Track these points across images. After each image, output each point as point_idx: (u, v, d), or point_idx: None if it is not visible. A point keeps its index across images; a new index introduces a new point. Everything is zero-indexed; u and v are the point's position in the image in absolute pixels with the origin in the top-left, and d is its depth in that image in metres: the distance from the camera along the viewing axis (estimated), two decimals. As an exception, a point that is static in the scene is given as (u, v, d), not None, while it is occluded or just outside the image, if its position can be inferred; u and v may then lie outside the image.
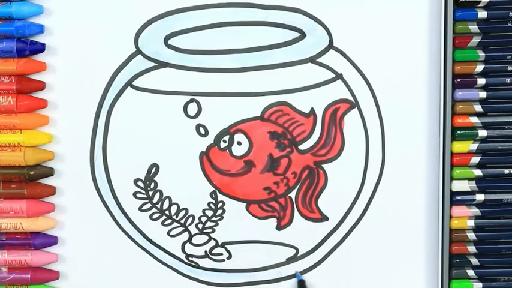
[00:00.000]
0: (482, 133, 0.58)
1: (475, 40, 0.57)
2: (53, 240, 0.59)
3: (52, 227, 0.59)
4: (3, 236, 0.59)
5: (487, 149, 0.59)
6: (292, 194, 0.60)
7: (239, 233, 0.60)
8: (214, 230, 0.60)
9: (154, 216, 0.60)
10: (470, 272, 0.60)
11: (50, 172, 0.58)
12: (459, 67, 0.58)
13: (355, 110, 0.59)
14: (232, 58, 0.57)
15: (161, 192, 0.59)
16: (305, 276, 0.61)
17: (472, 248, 0.59)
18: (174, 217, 0.60)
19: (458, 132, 0.58)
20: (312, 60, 0.58)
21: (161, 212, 0.60)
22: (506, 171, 0.59)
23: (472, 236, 0.59)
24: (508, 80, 0.58)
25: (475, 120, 0.58)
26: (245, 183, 0.59)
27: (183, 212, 0.60)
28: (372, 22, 0.57)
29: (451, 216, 0.59)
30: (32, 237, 0.59)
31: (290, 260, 0.61)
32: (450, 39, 0.57)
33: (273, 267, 0.61)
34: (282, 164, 0.59)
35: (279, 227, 0.60)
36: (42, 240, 0.59)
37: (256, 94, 0.58)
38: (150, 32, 0.57)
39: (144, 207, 0.60)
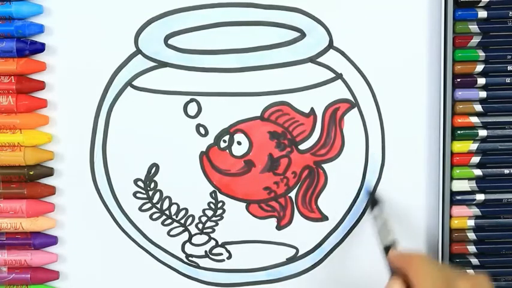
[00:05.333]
0: (482, 133, 0.58)
1: (475, 40, 0.57)
2: (53, 240, 0.59)
3: (52, 227, 0.59)
4: (3, 236, 0.59)
5: (487, 149, 0.59)
6: (292, 194, 0.60)
7: (239, 233, 0.60)
8: (214, 230, 0.60)
9: (154, 216, 0.60)
10: (470, 272, 0.60)
11: (50, 172, 0.58)
12: (459, 67, 0.58)
13: (355, 109, 0.59)
14: (232, 58, 0.57)
15: (161, 192, 0.59)
16: (304, 277, 0.61)
17: (472, 248, 0.59)
18: (174, 217, 0.60)
19: (458, 132, 0.58)
20: (312, 60, 0.58)
21: (161, 212, 0.60)
22: (506, 171, 0.59)
23: (472, 236, 0.59)
24: (508, 80, 0.58)
25: (475, 120, 0.58)
26: (245, 183, 0.59)
27: (183, 212, 0.60)
28: (372, 22, 0.57)
29: (451, 216, 0.59)
30: (32, 237, 0.59)
31: (290, 260, 0.61)
32: (450, 39, 0.57)
33: (273, 267, 0.61)
34: (282, 164, 0.59)
35: (279, 227, 0.60)
36: (42, 240, 0.59)
37: (256, 94, 0.58)
38: (150, 32, 0.57)
39: (144, 207, 0.60)
